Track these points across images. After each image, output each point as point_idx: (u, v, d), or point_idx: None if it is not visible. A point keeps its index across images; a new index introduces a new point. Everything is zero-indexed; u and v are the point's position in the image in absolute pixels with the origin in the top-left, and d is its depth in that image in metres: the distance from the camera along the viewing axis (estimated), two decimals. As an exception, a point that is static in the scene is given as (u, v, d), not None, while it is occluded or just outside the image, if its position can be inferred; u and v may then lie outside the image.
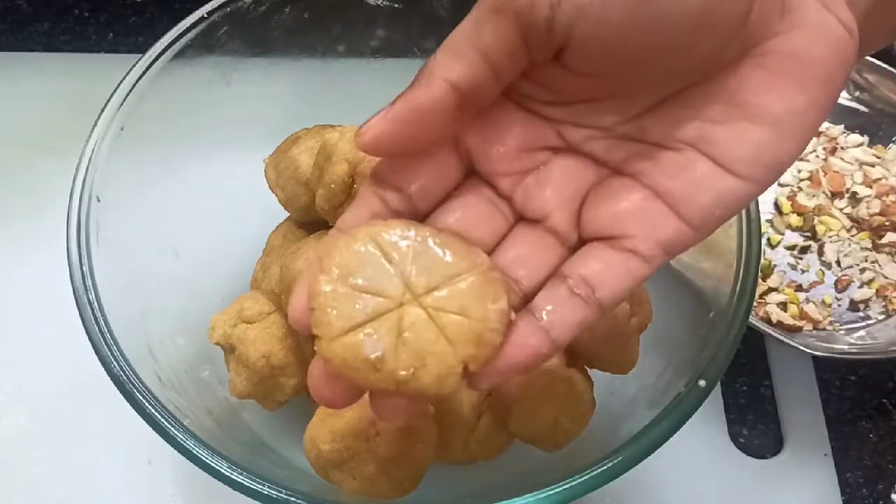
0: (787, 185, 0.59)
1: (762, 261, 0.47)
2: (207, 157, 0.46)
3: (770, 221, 0.58)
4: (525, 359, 0.25)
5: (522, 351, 0.24)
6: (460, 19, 0.24)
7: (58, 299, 0.37)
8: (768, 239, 0.57)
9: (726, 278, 0.36)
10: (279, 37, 0.46)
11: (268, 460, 0.41)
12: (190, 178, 0.45)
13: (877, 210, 0.57)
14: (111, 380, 0.34)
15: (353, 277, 0.24)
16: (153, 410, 0.33)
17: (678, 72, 0.24)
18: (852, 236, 0.57)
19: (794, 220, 0.57)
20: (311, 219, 0.44)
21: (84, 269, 0.36)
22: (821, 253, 0.57)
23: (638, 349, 0.41)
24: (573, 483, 0.31)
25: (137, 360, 0.35)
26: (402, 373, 0.24)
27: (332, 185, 0.38)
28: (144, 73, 0.41)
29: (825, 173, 0.59)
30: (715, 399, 0.52)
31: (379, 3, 0.46)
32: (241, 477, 0.32)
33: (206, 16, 0.42)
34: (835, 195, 0.58)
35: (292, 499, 0.31)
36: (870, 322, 0.54)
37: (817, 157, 0.60)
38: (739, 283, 0.36)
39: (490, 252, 0.26)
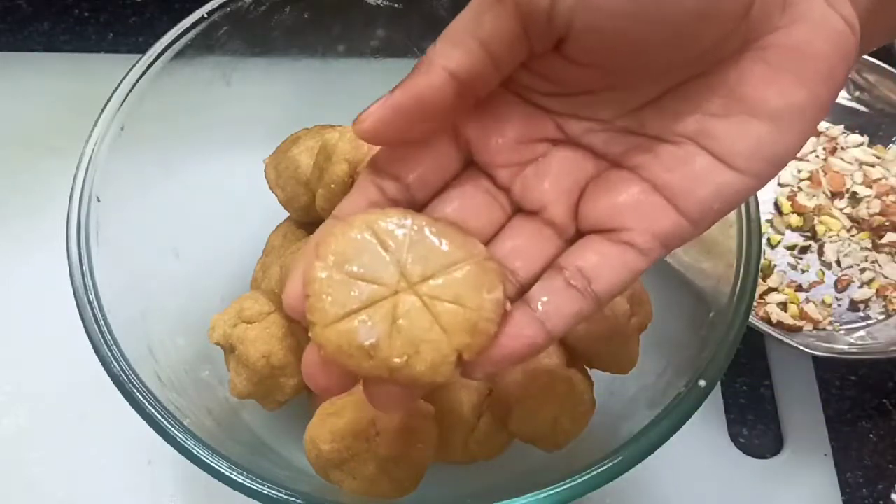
0: (787, 185, 0.59)
1: (762, 261, 0.47)
2: (207, 157, 0.46)
3: (770, 221, 0.58)
4: (520, 349, 0.25)
5: (517, 341, 0.24)
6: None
7: (58, 299, 0.37)
8: (768, 239, 0.57)
9: (726, 278, 0.36)
10: (279, 37, 0.46)
11: (268, 460, 0.41)
12: (190, 178, 0.45)
13: (877, 210, 0.57)
14: (111, 380, 0.34)
15: (348, 264, 0.24)
16: (153, 410, 0.33)
17: (678, 64, 0.24)
18: (852, 236, 0.57)
19: (794, 220, 0.57)
20: (311, 219, 0.44)
21: (84, 269, 0.36)
22: (821, 253, 0.57)
23: (638, 349, 0.41)
24: (573, 483, 0.31)
25: (137, 360, 0.35)
26: (396, 360, 0.24)
27: (332, 185, 0.38)
28: (144, 73, 0.41)
29: (825, 173, 0.59)
30: (715, 399, 0.52)
31: (379, 3, 0.46)
32: (241, 477, 0.32)
33: (206, 16, 0.42)
34: (835, 195, 0.58)
35: (292, 499, 0.31)
36: (870, 322, 0.54)
37: (817, 157, 0.60)
38: (739, 283, 0.36)
39: (487, 242, 0.26)
